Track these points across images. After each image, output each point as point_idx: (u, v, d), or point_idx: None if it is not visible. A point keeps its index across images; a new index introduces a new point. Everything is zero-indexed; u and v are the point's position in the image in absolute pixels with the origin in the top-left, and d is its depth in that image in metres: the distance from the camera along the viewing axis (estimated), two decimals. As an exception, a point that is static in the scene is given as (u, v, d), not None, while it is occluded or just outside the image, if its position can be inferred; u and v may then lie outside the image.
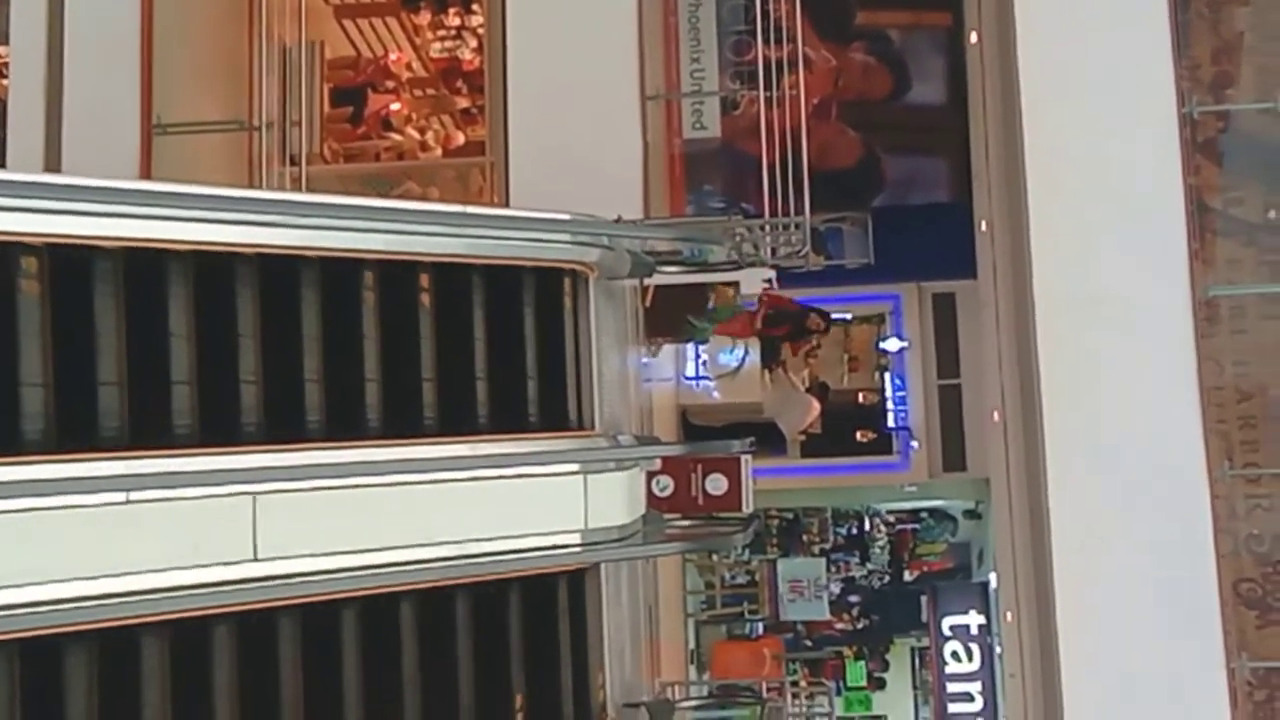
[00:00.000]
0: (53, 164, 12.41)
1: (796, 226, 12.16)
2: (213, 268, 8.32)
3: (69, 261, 7.74)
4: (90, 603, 7.53)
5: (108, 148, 12.42)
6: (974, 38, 14.24)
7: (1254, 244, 12.69)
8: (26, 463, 7.46)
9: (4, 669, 7.38)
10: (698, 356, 15.33)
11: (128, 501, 7.68)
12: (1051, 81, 12.40)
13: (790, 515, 17.75)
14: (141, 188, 8.49)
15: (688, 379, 15.39)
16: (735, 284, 12.13)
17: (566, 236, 9.98)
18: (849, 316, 16.89)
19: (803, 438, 15.29)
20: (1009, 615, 13.67)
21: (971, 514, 17.65)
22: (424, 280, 9.20)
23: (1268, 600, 12.32)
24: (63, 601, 7.43)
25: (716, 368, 15.41)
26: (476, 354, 9.61)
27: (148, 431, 7.98)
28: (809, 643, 18.23)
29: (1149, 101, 12.31)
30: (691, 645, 16.70)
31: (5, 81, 13.76)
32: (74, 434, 7.76)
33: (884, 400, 16.50)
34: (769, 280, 12.16)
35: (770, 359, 16.46)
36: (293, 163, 13.03)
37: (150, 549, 7.76)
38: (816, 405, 15.19)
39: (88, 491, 7.58)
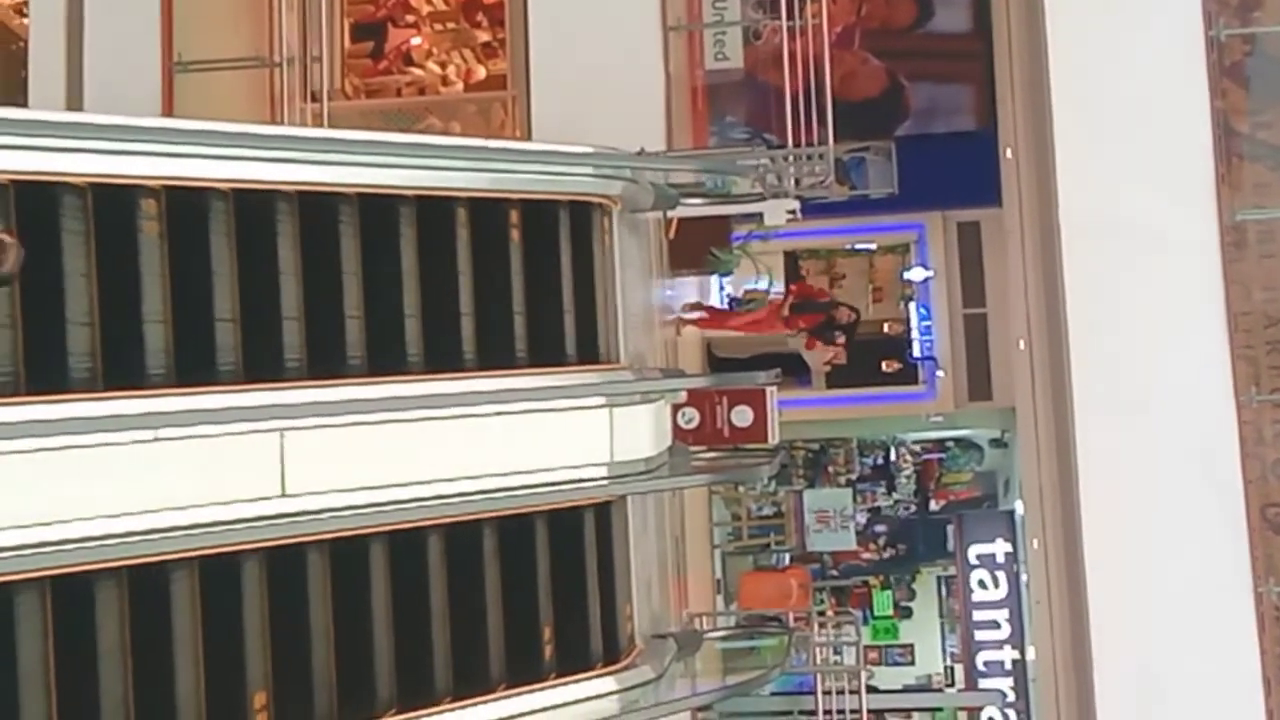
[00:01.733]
0: (74, 102, 12.42)
1: (820, 157, 12.10)
2: (253, 206, 8.36)
3: (114, 201, 7.78)
4: (121, 539, 7.59)
5: (129, 85, 12.41)
6: (998, -38, 14.16)
7: (1282, 168, 12.66)
8: (62, 401, 7.53)
9: (37, 605, 7.46)
10: (721, 287, 15.32)
11: (155, 439, 7.74)
12: (1076, 7, 12.31)
13: (816, 446, 17.78)
14: (166, 125, 8.53)
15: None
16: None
17: (589, 170, 9.97)
18: (873, 246, 16.86)
19: (828, 368, 15.25)
20: (1035, 543, 13.69)
21: (997, 443, 17.65)
22: (417, 214, 9.21)
23: (1295, 526, 12.35)
24: (95, 538, 7.50)
25: (741, 299, 15.41)
26: (509, 288, 9.64)
27: (191, 369, 8.06)
28: (835, 573, 18.29)
29: (1175, 25, 12.22)
30: (718, 576, 16.79)
31: (25, 20, 13.74)
32: (119, 372, 7.83)
33: (909, 330, 16.50)
34: (793, 211, 12.10)
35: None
36: (314, 99, 13.00)
37: (180, 485, 7.81)
38: (844, 309, 15.17)
39: (119, 429, 7.63)
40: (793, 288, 13.40)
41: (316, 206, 8.72)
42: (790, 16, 12.93)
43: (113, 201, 7.76)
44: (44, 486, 7.35)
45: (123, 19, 12.82)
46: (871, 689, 14.01)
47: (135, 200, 7.84)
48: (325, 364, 8.62)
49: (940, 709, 17.77)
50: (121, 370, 7.82)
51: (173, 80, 12.76)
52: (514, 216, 9.65)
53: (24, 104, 12.73)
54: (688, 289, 14.00)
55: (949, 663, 18.28)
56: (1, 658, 7.36)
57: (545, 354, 9.72)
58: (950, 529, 17.93)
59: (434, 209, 9.29)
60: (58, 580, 7.51)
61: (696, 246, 12.13)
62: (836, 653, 13.44)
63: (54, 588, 7.52)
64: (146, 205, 7.90)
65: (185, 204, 8.15)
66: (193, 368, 8.07)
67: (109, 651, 7.71)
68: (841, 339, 14.06)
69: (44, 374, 7.74)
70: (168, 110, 12.57)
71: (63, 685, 7.54)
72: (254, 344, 8.28)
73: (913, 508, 18.44)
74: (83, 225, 7.92)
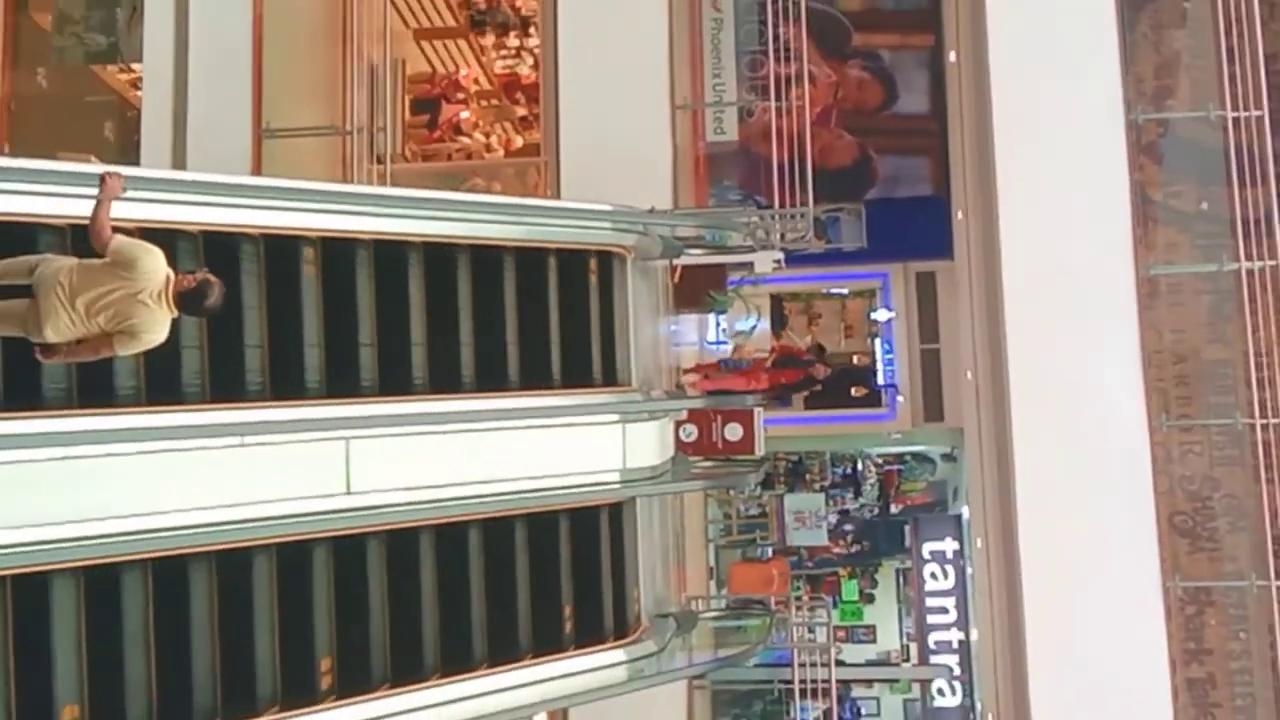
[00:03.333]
0: (179, 163, 12.45)
1: (802, 216, 12.13)
2: (336, 252, 8.42)
3: (222, 246, 7.81)
4: (210, 528, 7.60)
5: (225, 148, 12.45)
6: (952, 56, 14.15)
7: (1188, 230, 12.62)
8: (176, 411, 7.57)
9: (140, 582, 7.47)
10: (718, 324, 15.30)
11: (242, 444, 7.76)
12: (1017, 94, 12.33)
13: (795, 458, 17.70)
14: (272, 184, 8.59)
15: (709, 343, 15.37)
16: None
17: (608, 224, 10.00)
18: (845, 291, 16.82)
19: (806, 393, 15.23)
20: (979, 542, 13.66)
21: (948, 457, 17.56)
22: (465, 260, 9.24)
23: (1196, 530, 12.28)
24: (189, 527, 7.51)
25: (733, 333, 15.39)
26: (548, 323, 9.66)
27: (283, 385, 8.10)
28: (810, 564, 18.20)
29: (1100, 110, 12.23)
30: (711, 565, 16.70)
31: (139, 93, 13.80)
32: (222, 388, 7.87)
33: (874, 361, 16.43)
34: (779, 260, 12.10)
35: (778, 325, 16.47)
36: (379, 162, 13.04)
37: (259, 485, 7.82)
38: (820, 367, 15.18)
39: (211, 436, 7.66)
40: (774, 346, 13.34)
41: (389, 252, 8.77)
42: (778, 99, 12.97)
43: (221, 246, 7.85)
44: (151, 483, 7.37)
45: (220, 92, 12.87)
46: (840, 663, 13.95)
47: (239, 245, 7.94)
48: (395, 383, 8.66)
49: (897, 680, 17.68)
50: (220, 386, 7.87)
51: (261, 144, 12.80)
52: (550, 262, 9.68)
53: (137, 162, 12.76)
54: (689, 325, 13.98)
55: (905, 641, 18.16)
56: (111, 627, 7.37)
57: (571, 377, 9.74)
58: (907, 529, 17.82)
59: (484, 256, 9.33)
60: (158, 562, 7.52)
61: (696, 289, 12.12)
62: (810, 632, 13.42)
63: (155, 568, 7.53)
64: (247, 250, 7.99)
65: (279, 249, 8.22)
66: (282, 385, 8.12)
67: (200, 622, 7.72)
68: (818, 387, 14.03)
69: (224, 387, 7.88)
70: (256, 170, 12.60)
71: (161, 651, 7.55)
72: (335, 366, 8.34)
73: (876, 510, 18.32)
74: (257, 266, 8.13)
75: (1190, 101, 12.67)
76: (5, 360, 7.04)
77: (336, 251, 8.50)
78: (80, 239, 6.96)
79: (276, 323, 8.07)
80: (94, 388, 7.33)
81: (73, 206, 7.16)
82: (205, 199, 7.92)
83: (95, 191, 6.61)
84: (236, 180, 8.27)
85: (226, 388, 7.86)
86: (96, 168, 7.00)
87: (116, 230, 6.55)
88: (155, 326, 6.58)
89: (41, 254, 6.84)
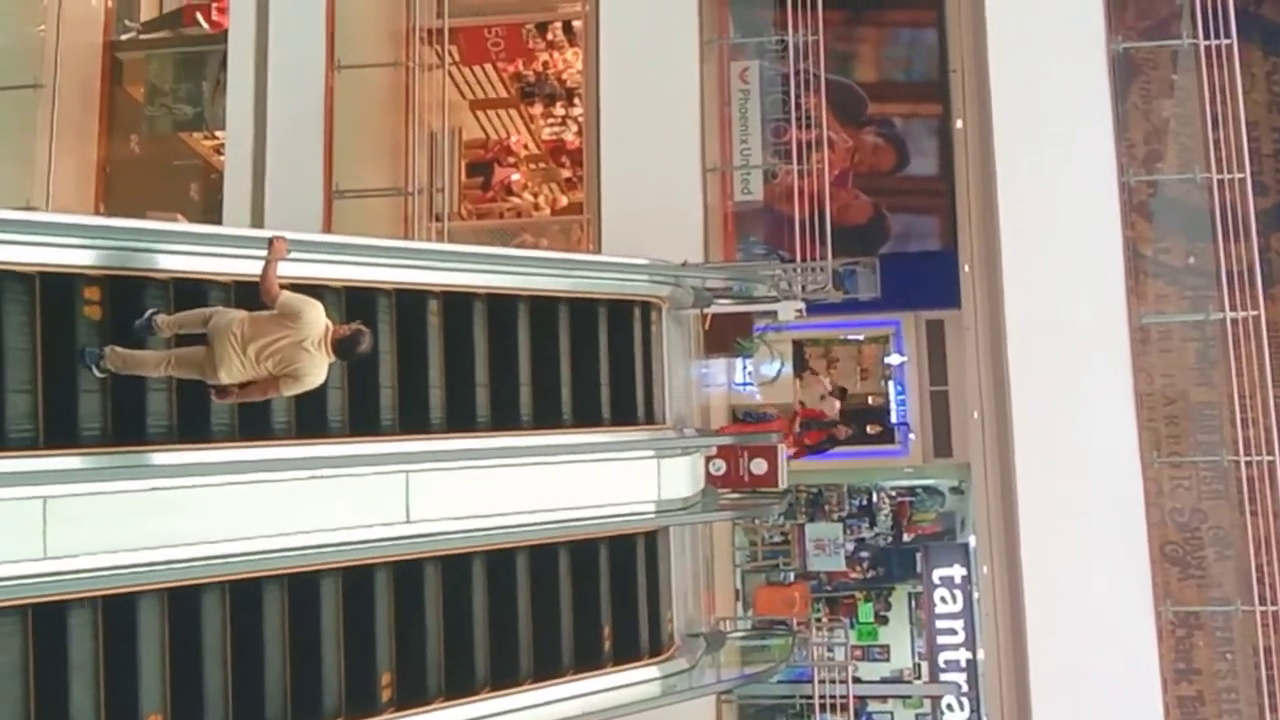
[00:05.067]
0: (258, 220, 12.57)
1: (821, 269, 12.14)
2: (408, 303, 8.51)
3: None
4: (281, 553, 7.64)
5: (299, 208, 12.57)
6: (959, 124, 14.18)
7: (1177, 283, 12.58)
8: (259, 445, 7.67)
9: (217, 603, 7.52)
10: (745, 367, 15.30)
11: (311, 477, 7.81)
12: (1018, 158, 12.32)
13: (815, 490, 17.63)
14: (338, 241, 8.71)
15: (737, 385, 15.37)
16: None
17: (645, 276, 10.06)
18: (861, 337, 16.80)
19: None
20: (985, 569, 13.57)
21: (956, 490, 17.46)
22: (524, 309, 9.32)
23: (1187, 559, 12.18)
24: (262, 553, 7.56)
25: (759, 376, 15.38)
26: (590, 366, 9.71)
27: (360, 424, 8.19)
28: (829, 588, 18.11)
29: (1095, 172, 12.19)
30: (738, 588, 16.63)
31: (222, 157, 13.96)
32: (305, 424, 7.96)
33: (888, 402, 16.38)
34: (800, 309, 12.10)
35: (801, 368, 16.45)
36: (437, 220, 13.14)
37: (326, 513, 7.87)
38: (838, 404, 15.16)
39: (287, 469, 7.71)
40: (800, 411, 13.33)
41: (456, 302, 8.85)
42: (800, 162, 13.00)
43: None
44: (231, 512, 7.43)
45: (295, 157, 13.00)
46: (856, 680, 13.87)
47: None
48: (462, 421, 8.73)
49: (910, 696, 17.53)
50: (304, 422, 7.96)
51: (332, 204, 12.92)
52: (591, 311, 9.74)
53: (219, 221, 12.90)
54: (718, 368, 13.98)
55: (917, 660, 18.01)
56: (190, 641, 7.41)
57: (610, 416, 9.77)
58: (919, 556, 17.72)
59: (534, 305, 9.40)
60: (235, 585, 7.57)
61: (725, 335, 12.12)
62: (829, 651, 13.33)
63: (232, 590, 7.58)
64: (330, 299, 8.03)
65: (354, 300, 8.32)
66: (360, 422, 8.20)
67: (272, 639, 7.76)
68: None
69: (361, 422, 8.20)
70: (327, 227, 12.70)
71: (236, 665, 7.59)
72: (408, 405, 8.41)
73: (890, 539, 18.21)
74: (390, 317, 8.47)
75: (1178, 165, 12.64)
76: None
77: (407, 302, 8.60)
78: (242, 294, 7.45)
79: (356, 370, 8.15)
80: (192, 424, 7.44)
81: (236, 265, 7.60)
82: (395, 261, 8.58)
83: (261, 253, 7.02)
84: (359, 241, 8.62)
85: (309, 424, 7.94)
86: (264, 233, 7.43)
87: (282, 287, 6.91)
88: (316, 370, 6.93)
89: (212, 307, 7.21)
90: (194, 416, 7.43)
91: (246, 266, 7.44)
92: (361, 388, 8.20)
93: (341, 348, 6.95)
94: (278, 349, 6.82)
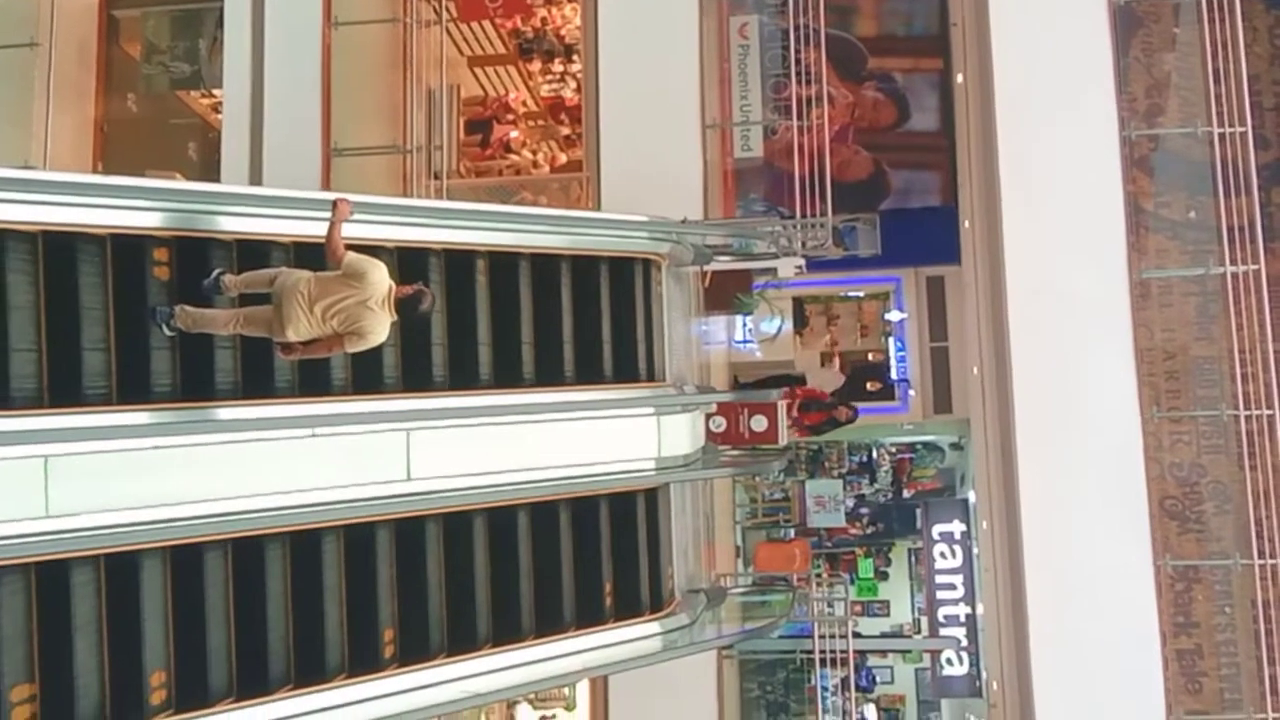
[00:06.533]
0: (256, 180, 12.53)
1: (821, 225, 12.09)
2: (409, 260, 8.49)
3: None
4: (283, 512, 7.65)
5: (298, 167, 12.52)
6: (960, 78, 14.08)
7: (1178, 238, 12.55)
8: (262, 404, 7.65)
9: (220, 562, 7.53)
10: (744, 324, 15.27)
11: (313, 435, 7.81)
12: (1019, 113, 12.27)
13: (815, 447, 17.66)
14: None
15: (737, 342, 15.35)
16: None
17: (645, 234, 10.01)
18: (861, 294, 16.76)
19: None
20: (984, 524, 13.60)
21: (956, 446, 17.46)
22: (524, 265, 9.28)
23: (1185, 513, 12.21)
24: (264, 511, 7.56)
25: (759, 333, 15.36)
26: (589, 323, 9.68)
27: (362, 379, 8.17)
28: (829, 544, 18.15)
29: (1096, 127, 12.15)
30: (739, 545, 16.68)
31: (220, 116, 13.89)
32: (305, 382, 7.95)
33: (888, 358, 16.36)
34: (800, 266, 12.07)
35: (800, 325, 16.43)
36: (435, 178, 13.09)
37: (328, 471, 7.87)
38: (842, 377, 15.29)
39: (288, 428, 7.71)
40: (799, 391, 13.34)
41: (458, 260, 8.82)
42: (799, 118, 12.93)
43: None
44: (231, 470, 7.44)
45: (293, 115, 12.95)
46: (856, 635, 13.94)
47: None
48: (454, 379, 8.70)
49: (910, 651, 17.61)
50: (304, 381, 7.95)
51: (330, 162, 12.87)
52: (591, 268, 9.70)
53: (218, 179, 12.85)
54: (718, 325, 13.96)
55: (916, 615, 18.08)
56: (193, 600, 7.43)
57: (611, 373, 9.75)
58: (918, 512, 17.73)
59: (535, 263, 9.36)
60: (237, 542, 7.58)
61: (725, 293, 12.10)
62: (830, 606, 13.38)
63: (234, 548, 7.59)
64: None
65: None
66: (362, 380, 8.19)
67: (275, 597, 7.78)
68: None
69: (363, 380, 8.26)
70: (326, 186, 12.66)
71: (240, 624, 7.61)
72: (410, 362, 8.40)
73: (889, 495, 18.23)
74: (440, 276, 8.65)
75: (1179, 119, 12.58)
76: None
77: (407, 260, 8.56)
78: (301, 254, 7.74)
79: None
80: (196, 382, 7.44)
81: (296, 227, 7.91)
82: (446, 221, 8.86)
83: (320, 214, 7.27)
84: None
85: (309, 384, 7.93)
86: (327, 195, 7.66)
87: (347, 248, 7.09)
88: (379, 328, 7.14)
89: (276, 267, 7.46)
90: (199, 375, 7.47)
91: (306, 228, 7.78)
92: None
93: (404, 307, 7.17)
94: (343, 308, 7.03)
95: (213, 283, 7.46)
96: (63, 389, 6.93)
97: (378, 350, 7.69)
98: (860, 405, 13.97)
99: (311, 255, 7.54)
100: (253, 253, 7.75)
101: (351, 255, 7.08)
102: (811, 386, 14.07)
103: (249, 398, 7.62)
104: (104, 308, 7.17)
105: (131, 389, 7.18)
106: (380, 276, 7.09)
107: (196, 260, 7.53)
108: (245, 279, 7.45)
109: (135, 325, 7.26)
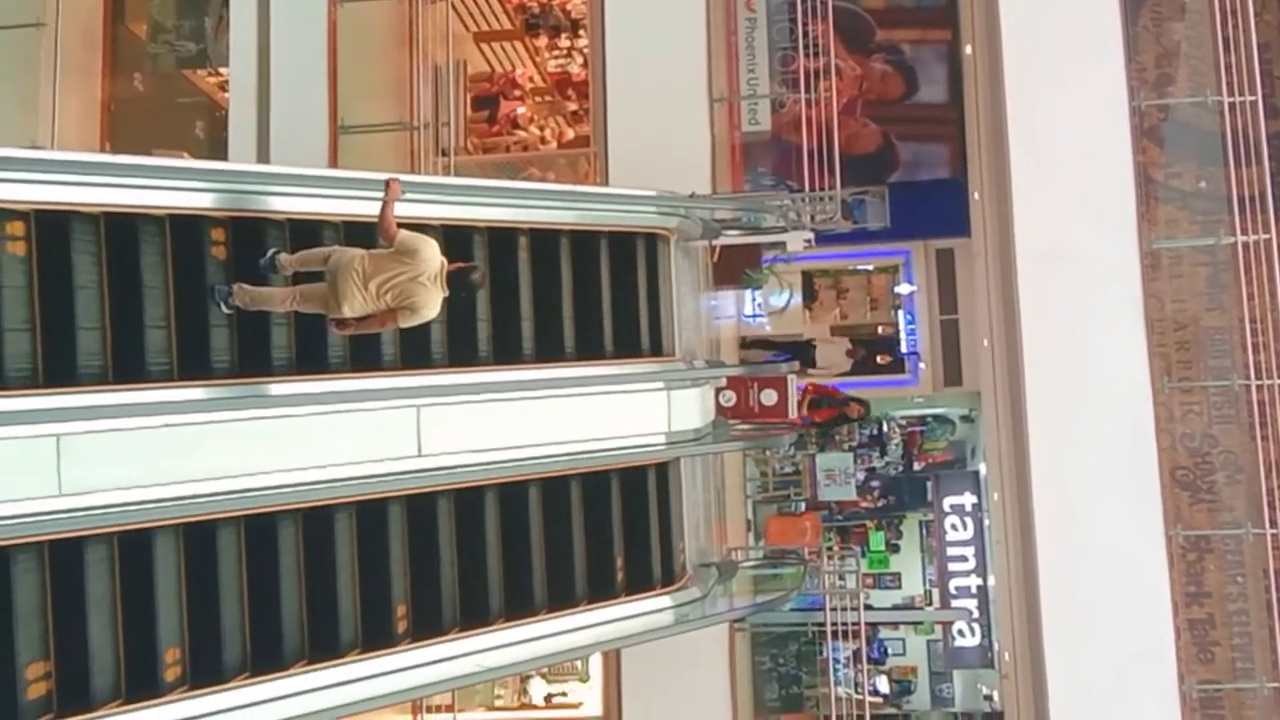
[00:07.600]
0: (263, 157, 12.52)
1: (830, 198, 12.07)
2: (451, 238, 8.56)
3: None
4: (296, 488, 7.68)
5: (305, 143, 12.51)
6: (969, 50, 14.02)
7: (1188, 208, 12.50)
8: (269, 381, 7.68)
9: (233, 539, 7.56)
10: (754, 299, 15.25)
11: (322, 412, 7.83)
12: (1028, 83, 12.21)
13: (826, 420, 17.65)
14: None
15: (746, 316, 15.33)
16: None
17: (653, 208, 10.01)
18: (871, 267, 16.73)
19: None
20: (995, 496, 13.60)
21: (966, 419, 17.43)
22: (524, 241, 9.28)
23: (1197, 484, 12.19)
24: (276, 488, 7.59)
25: (768, 307, 15.34)
26: (599, 298, 9.68)
27: (361, 359, 8.18)
28: (840, 517, 18.14)
29: (1106, 97, 12.08)
30: (750, 519, 16.69)
31: (226, 94, 13.87)
32: (308, 360, 7.97)
33: (898, 331, 16.33)
34: (809, 240, 12.03)
35: (809, 300, 16.41)
36: (443, 154, 13.07)
37: (340, 448, 7.89)
38: (849, 361, 15.29)
39: (299, 405, 7.73)
40: (809, 386, 13.29)
41: (457, 235, 8.82)
42: (807, 91, 12.90)
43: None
44: (244, 447, 7.46)
45: (299, 93, 12.92)
46: (868, 607, 13.95)
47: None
48: (462, 356, 8.71)
49: (921, 622, 17.63)
50: (306, 358, 7.97)
51: (337, 140, 12.86)
52: (601, 244, 9.69)
53: (224, 157, 12.84)
54: (727, 300, 13.93)
55: (928, 587, 18.06)
56: (207, 576, 7.46)
57: (621, 348, 9.76)
58: (929, 484, 17.70)
59: (541, 238, 9.36)
60: (251, 519, 7.61)
61: (734, 267, 12.07)
62: (841, 579, 13.41)
63: (247, 525, 7.62)
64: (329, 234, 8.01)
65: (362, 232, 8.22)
66: (362, 358, 8.19)
67: (288, 573, 7.81)
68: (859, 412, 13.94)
69: (460, 353, 8.59)
70: (333, 163, 12.64)
71: (253, 601, 7.64)
72: (409, 340, 8.40)
73: (900, 468, 18.19)
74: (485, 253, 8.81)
75: (1189, 88, 12.51)
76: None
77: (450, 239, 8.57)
78: (351, 232, 7.98)
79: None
80: (193, 362, 7.43)
81: (347, 206, 8.14)
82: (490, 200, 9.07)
83: (373, 194, 7.44)
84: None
85: (312, 360, 7.94)
86: (379, 175, 7.69)
87: (400, 226, 7.23)
88: (432, 303, 7.31)
89: (329, 246, 7.68)
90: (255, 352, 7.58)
91: (356, 207, 8.02)
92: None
93: (456, 282, 7.34)
94: (396, 284, 7.18)
95: (268, 261, 7.66)
96: (126, 366, 7.10)
97: (425, 327, 7.76)
98: (871, 379, 13.96)
99: (361, 233, 7.72)
100: (305, 232, 7.94)
101: (404, 233, 7.22)
102: (823, 385, 14.03)
103: (248, 374, 7.65)
104: (164, 286, 7.33)
105: (192, 365, 7.39)
106: (432, 253, 7.24)
107: (252, 240, 7.71)
108: (300, 257, 7.64)
109: (195, 303, 7.44)
